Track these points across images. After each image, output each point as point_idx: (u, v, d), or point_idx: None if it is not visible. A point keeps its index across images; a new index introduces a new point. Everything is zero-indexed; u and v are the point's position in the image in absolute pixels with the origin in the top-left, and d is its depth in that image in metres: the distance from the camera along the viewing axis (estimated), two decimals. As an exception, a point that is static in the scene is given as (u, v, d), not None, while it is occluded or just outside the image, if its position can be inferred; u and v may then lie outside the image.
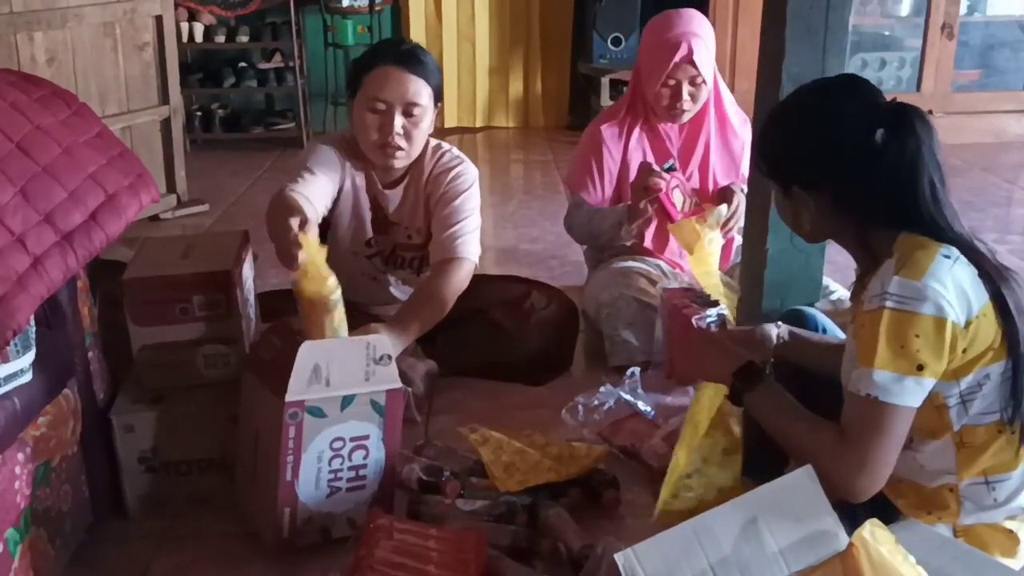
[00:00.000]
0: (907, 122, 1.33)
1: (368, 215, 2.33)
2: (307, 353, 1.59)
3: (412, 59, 2.16)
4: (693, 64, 2.43)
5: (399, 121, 2.15)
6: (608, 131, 2.58)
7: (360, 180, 2.30)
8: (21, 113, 1.56)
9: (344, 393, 1.61)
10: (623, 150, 2.59)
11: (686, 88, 2.47)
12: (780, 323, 1.75)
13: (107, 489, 1.76)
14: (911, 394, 1.28)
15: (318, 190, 2.13)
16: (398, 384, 1.66)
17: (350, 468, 1.66)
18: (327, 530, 1.67)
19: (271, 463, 1.60)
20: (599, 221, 2.53)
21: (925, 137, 1.33)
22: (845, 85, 1.44)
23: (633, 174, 2.55)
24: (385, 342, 1.69)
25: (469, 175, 2.30)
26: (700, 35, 2.45)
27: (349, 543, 1.60)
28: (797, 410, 1.41)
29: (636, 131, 2.58)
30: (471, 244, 2.24)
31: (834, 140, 1.37)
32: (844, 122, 1.36)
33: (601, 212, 2.55)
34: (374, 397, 1.64)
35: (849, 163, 1.35)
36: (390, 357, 1.66)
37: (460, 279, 2.19)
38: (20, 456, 1.45)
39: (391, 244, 2.37)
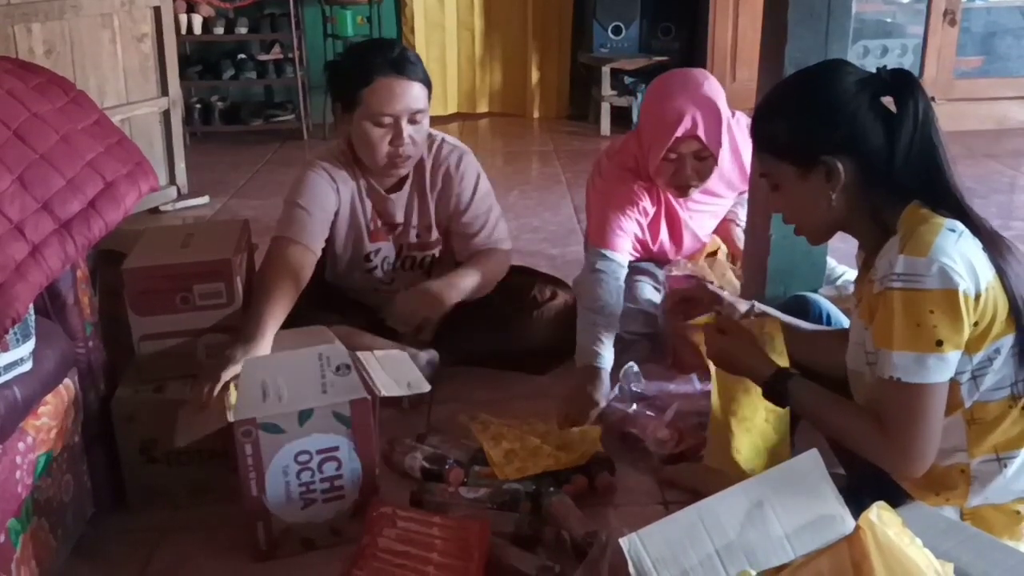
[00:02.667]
0: (911, 82, 1.35)
1: (367, 227, 2.27)
2: (252, 369, 1.56)
3: (407, 64, 2.08)
4: (698, 139, 2.17)
5: (408, 131, 2.08)
6: (640, 192, 2.30)
7: (358, 193, 2.23)
8: (18, 100, 1.55)
9: (300, 408, 1.57)
10: (655, 207, 2.36)
11: (690, 163, 2.21)
12: (756, 303, 1.76)
13: (108, 479, 1.76)
14: (935, 371, 1.28)
15: (315, 230, 2.12)
16: (362, 393, 1.62)
17: (323, 480, 1.62)
18: (310, 540, 1.65)
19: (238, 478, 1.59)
20: (580, 330, 2.20)
21: (925, 95, 1.36)
22: (838, 61, 1.45)
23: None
24: (340, 351, 1.64)
25: (472, 166, 2.27)
26: (705, 104, 2.17)
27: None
28: (835, 402, 1.43)
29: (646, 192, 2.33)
30: (502, 233, 2.31)
31: (854, 99, 1.36)
32: (858, 84, 1.37)
33: (588, 328, 2.17)
34: (336, 409, 1.59)
35: (872, 120, 1.36)
36: (348, 367, 1.62)
37: (502, 263, 2.30)
38: (21, 446, 1.44)
39: (399, 245, 2.33)
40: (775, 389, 1.50)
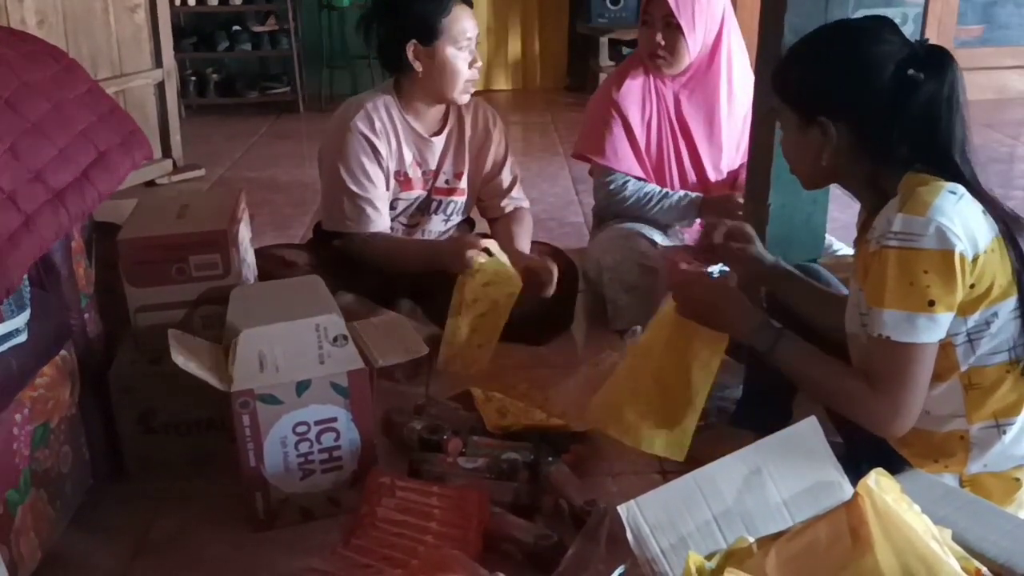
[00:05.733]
0: (947, 62, 1.33)
1: (402, 176, 2.32)
2: (248, 341, 1.55)
3: None
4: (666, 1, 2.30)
5: (475, 54, 2.27)
6: (626, 96, 2.45)
7: (397, 143, 2.29)
8: (8, 68, 1.53)
9: (298, 379, 1.57)
10: (644, 111, 2.47)
11: (660, 28, 2.35)
12: (780, 260, 1.74)
13: (106, 451, 1.75)
14: (925, 331, 1.27)
15: (383, 212, 2.27)
16: (360, 364, 1.62)
17: (321, 451, 1.62)
18: (308, 510, 1.65)
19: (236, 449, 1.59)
20: (660, 210, 2.46)
21: (960, 80, 1.33)
22: (880, 23, 1.42)
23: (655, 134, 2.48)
24: (338, 322, 1.62)
25: (502, 126, 2.45)
26: None
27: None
28: (821, 360, 1.42)
29: (653, 90, 2.47)
30: (521, 191, 2.51)
31: (870, 72, 1.34)
32: (882, 55, 1.35)
33: (664, 200, 2.45)
34: (334, 380, 1.59)
35: (882, 96, 1.33)
36: (346, 337, 1.62)
37: (530, 223, 2.49)
38: (18, 417, 1.44)
39: (428, 188, 2.38)
40: (760, 342, 1.48)
